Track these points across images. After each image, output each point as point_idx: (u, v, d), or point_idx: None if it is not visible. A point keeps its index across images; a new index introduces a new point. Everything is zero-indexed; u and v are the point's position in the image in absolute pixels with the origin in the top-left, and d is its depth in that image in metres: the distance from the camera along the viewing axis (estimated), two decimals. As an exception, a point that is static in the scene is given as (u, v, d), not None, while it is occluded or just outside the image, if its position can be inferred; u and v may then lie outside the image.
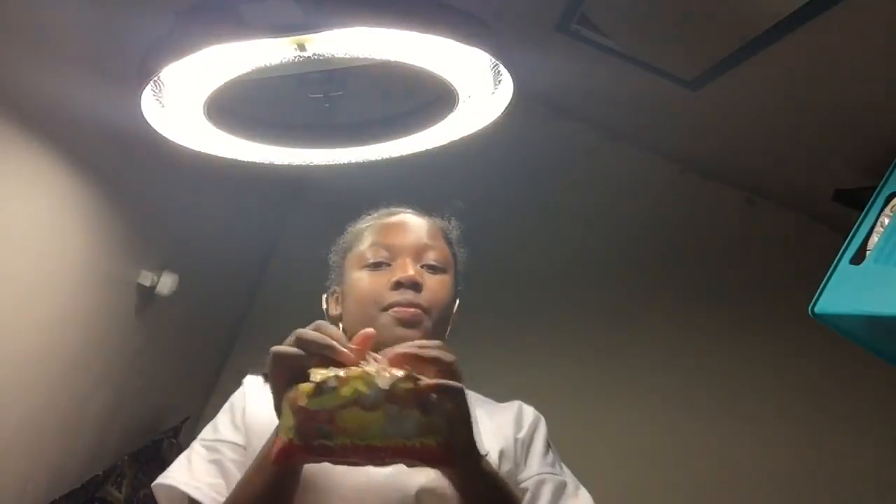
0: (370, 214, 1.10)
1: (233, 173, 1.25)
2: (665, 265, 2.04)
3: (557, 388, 1.80)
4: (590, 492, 1.00)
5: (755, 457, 1.93)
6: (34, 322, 1.15)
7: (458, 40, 0.85)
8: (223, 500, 0.84)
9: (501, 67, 0.93)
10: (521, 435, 0.97)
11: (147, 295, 1.45)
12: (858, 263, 1.01)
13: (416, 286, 0.95)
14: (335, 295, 1.05)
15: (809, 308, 1.02)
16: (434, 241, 1.02)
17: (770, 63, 1.11)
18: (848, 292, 0.98)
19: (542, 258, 2.08)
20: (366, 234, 1.03)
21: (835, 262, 1.04)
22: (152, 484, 0.91)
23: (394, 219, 1.05)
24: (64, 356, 1.26)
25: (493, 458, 0.90)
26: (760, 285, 1.96)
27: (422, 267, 0.98)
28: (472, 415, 0.76)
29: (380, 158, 1.20)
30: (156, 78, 0.87)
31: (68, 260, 1.20)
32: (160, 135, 1.04)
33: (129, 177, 1.30)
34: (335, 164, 1.22)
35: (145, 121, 0.99)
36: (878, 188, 1.08)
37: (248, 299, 2.20)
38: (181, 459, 0.92)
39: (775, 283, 1.87)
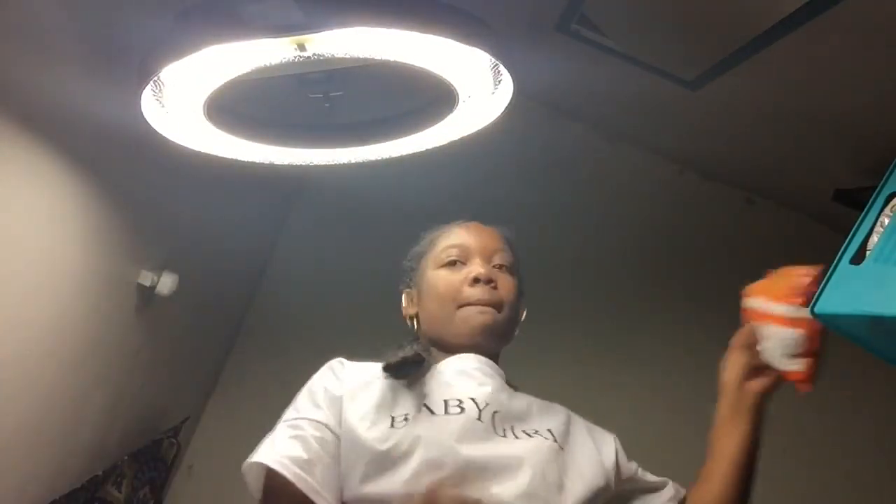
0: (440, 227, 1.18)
1: (233, 173, 1.25)
2: (665, 265, 2.04)
3: (556, 387, 1.79)
4: None
5: (755, 457, 1.93)
6: (34, 322, 1.15)
7: (458, 40, 0.85)
8: (301, 470, 0.85)
9: (501, 67, 0.93)
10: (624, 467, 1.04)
11: (147, 295, 1.45)
12: (858, 263, 1.00)
13: (490, 282, 1.04)
14: (411, 295, 1.13)
15: (809, 308, 1.02)
16: (501, 244, 1.11)
17: (770, 63, 1.11)
18: (848, 292, 0.97)
19: (541, 258, 2.07)
20: (441, 238, 1.12)
21: (835, 262, 1.04)
22: (243, 465, 0.91)
23: (465, 224, 1.14)
24: (64, 356, 1.26)
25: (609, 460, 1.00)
26: (760, 285, 1.96)
27: (493, 267, 1.07)
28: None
29: (380, 158, 1.20)
30: (156, 78, 0.87)
31: (68, 260, 1.20)
32: (160, 135, 1.04)
33: (129, 177, 1.29)
34: (335, 164, 1.22)
35: (145, 121, 0.99)
36: (879, 188, 1.07)
37: (248, 299, 2.20)
38: (266, 440, 0.93)
39: (775, 283, 1.87)
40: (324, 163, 1.21)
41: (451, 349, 1.04)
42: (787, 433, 1.94)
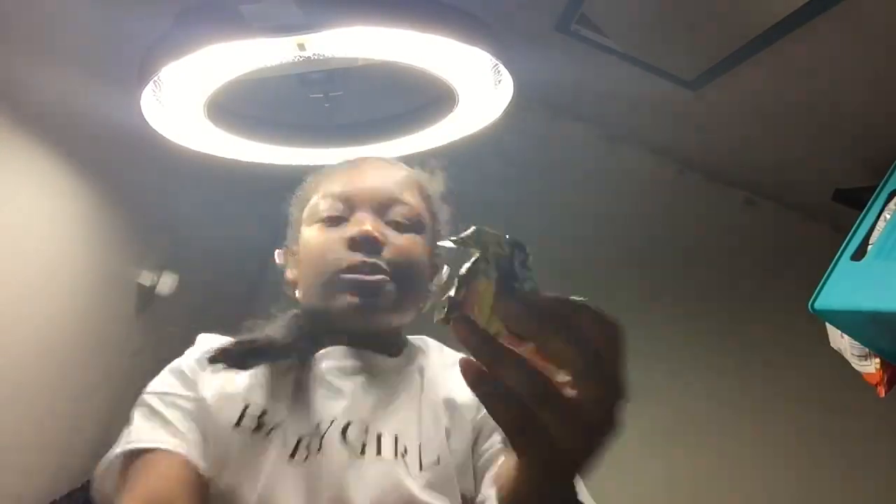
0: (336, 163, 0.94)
1: (233, 173, 1.25)
2: (664, 265, 2.03)
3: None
4: (592, 486, 0.98)
5: (754, 454, 1.93)
6: (34, 322, 1.15)
7: (458, 40, 0.85)
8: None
9: (501, 67, 0.93)
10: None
11: (147, 295, 1.45)
12: (859, 259, 1.00)
13: (373, 244, 0.79)
14: (292, 256, 0.90)
15: (809, 304, 1.02)
16: (405, 194, 0.87)
17: (770, 63, 1.11)
18: (848, 288, 0.97)
19: (540, 258, 2.07)
20: (322, 184, 0.89)
21: (835, 257, 1.04)
22: (118, 452, 0.77)
23: (355, 164, 0.90)
24: (64, 356, 1.26)
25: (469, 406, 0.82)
26: (760, 285, 1.96)
27: (386, 223, 0.84)
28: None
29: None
30: (156, 78, 0.87)
31: (68, 260, 1.20)
32: (160, 135, 1.04)
33: (129, 177, 1.29)
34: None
35: (145, 121, 0.99)
36: (881, 185, 1.08)
37: (248, 299, 2.20)
38: (143, 421, 0.79)
39: (775, 283, 1.87)
40: (324, 163, 1.22)
41: (327, 330, 0.81)
42: (787, 431, 1.94)
